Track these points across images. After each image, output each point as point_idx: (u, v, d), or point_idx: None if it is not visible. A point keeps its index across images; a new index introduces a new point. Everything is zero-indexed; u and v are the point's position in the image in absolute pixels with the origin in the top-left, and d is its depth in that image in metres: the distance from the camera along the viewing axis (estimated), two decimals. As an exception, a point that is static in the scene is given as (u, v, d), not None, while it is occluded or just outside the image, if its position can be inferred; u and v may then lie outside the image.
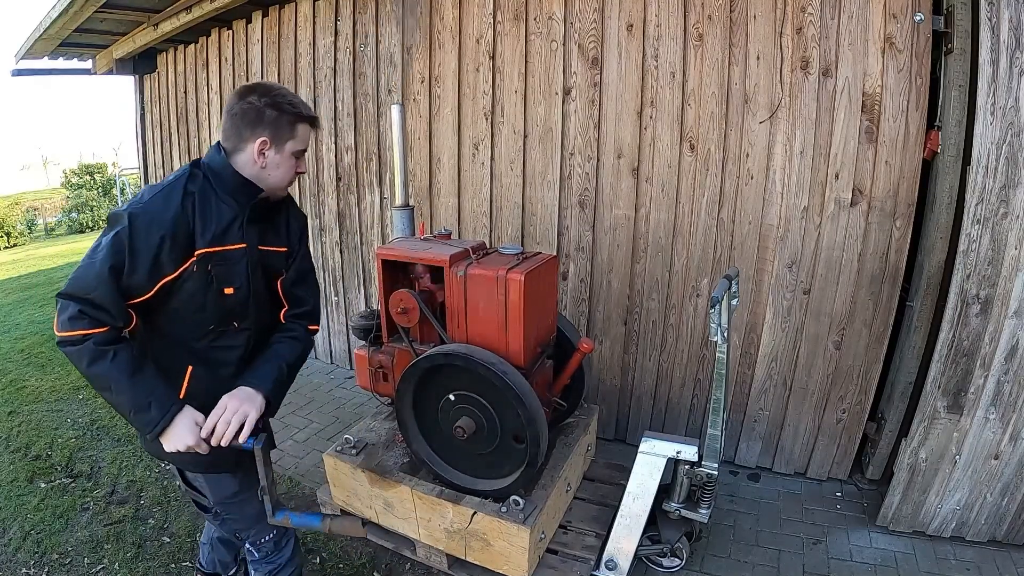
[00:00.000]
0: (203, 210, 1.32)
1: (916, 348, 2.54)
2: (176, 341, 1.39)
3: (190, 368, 1.41)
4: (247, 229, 1.40)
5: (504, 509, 2.09)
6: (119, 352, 1.27)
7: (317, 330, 1.69)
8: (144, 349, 1.38)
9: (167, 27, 4.30)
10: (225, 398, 1.39)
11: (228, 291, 1.37)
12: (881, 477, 2.75)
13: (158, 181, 1.42)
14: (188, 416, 1.33)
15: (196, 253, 1.31)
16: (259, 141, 1.37)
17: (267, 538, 1.71)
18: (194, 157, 4.83)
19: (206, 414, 1.37)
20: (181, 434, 1.31)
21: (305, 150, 1.47)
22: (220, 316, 1.40)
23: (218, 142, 1.42)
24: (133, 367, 1.28)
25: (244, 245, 1.39)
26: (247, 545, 1.72)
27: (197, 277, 1.32)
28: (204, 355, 1.43)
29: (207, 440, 1.34)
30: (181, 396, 1.39)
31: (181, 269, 1.30)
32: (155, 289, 1.29)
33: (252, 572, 1.79)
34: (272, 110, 1.36)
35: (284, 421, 3.53)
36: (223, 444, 1.35)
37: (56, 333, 1.27)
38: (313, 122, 1.46)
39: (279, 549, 1.76)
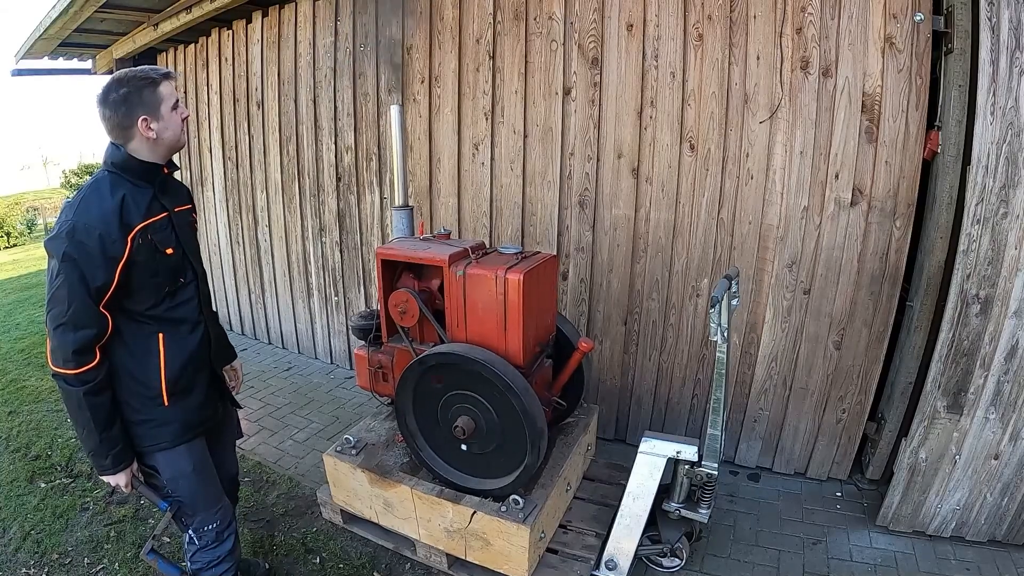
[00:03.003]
0: (132, 196, 1.55)
1: (916, 348, 2.54)
2: (144, 316, 1.60)
3: (161, 336, 1.62)
4: (162, 201, 1.64)
5: (504, 508, 2.09)
6: (99, 407, 1.52)
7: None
8: (121, 353, 1.59)
9: (167, 27, 4.29)
10: (238, 367, 2.03)
11: (168, 251, 1.61)
12: (881, 477, 2.75)
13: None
14: (129, 471, 1.63)
15: (136, 229, 1.52)
16: (140, 121, 1.53)
17: (209, 527, 1.79)
18: (194, 156, 4.86)
19: (185, 370, 1.66)
20: (118, 478, 1.62)
21: (178, 99, 1.63)
22: (169, 274, 1.62)
23: (111, 142, 1.59)
24: (108, 420, 1.55)
25: (165, 214, 1.63)
26: (189, 532, 1.79)
27: (144, 248, 1.54)
28: (167, 318, 1.64)
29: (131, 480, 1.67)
30: (161, 364, 1.61)
31: (128, 249, 1.50)
32: (117, 275, 1.49)
33: (189, 562, 1.83)
34: (133, 94, 1.53)
35: (284, 421, 3.54)
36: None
37: (50, 366, 1.50)
38: (167, 75, 1.60)
39: (220, 541, 1.81)
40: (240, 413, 3.60)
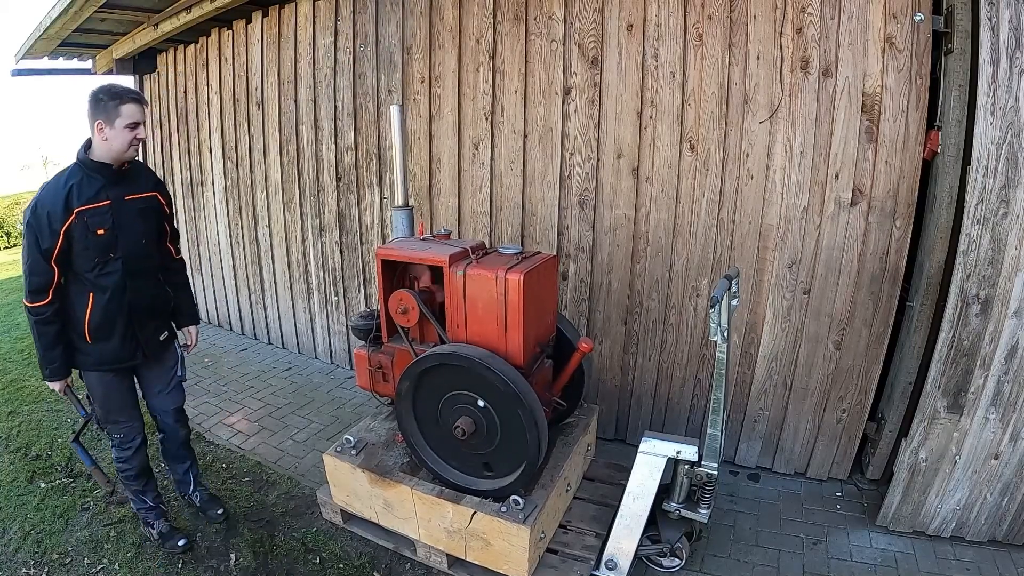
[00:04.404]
0: (79, 186, 2.01)
1: (916, 348, 2.54)
2: (80, 276, 2.08)
3: (91, 295, 2.10)
4: (109, 191, 2.06)
5: (504, 509, 2.10)
6: (45, 334, 2.07)
7: (181, 255, 2.51)
8: (65, 298, 2.09)
9: (167, 27, 4.29)
10: (194, 331, 2.56)
11: (100, 232, 2.03)
12: (881, 477, 2.75)
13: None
14: (62, 382, 2.19)
15: (74, 211, 1.98)
16: (96, 124, 1.99)
17: (115, 435, 2.33)
18: (194, 156, 4.86)
19: (102, 323, 2.12)
20: (54, 385, 2.19)
21: (138, 123, 2.03)
22: (99, 249, 2.05)
23: (87, 138, 2.06)
24: (51, 344, 2.09)
25: (108, 202, 2.06)
26: (107, 432, 2.36)
27: (79, 225, 1.99)
28: (95, 283, 2.09)
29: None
30: (87, 314, 2.10)
31: (67, 223, 1.97)
32: (59, 240, 1.97)
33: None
34: (101, 102, 1.97)
35: (284, 421, 3.54)
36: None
37: (23, 301, 2.07)
38: (136, 100, 2.02)
39: (122, 447, 2.34)
40: (240, 413, 3.65)
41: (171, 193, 2.44)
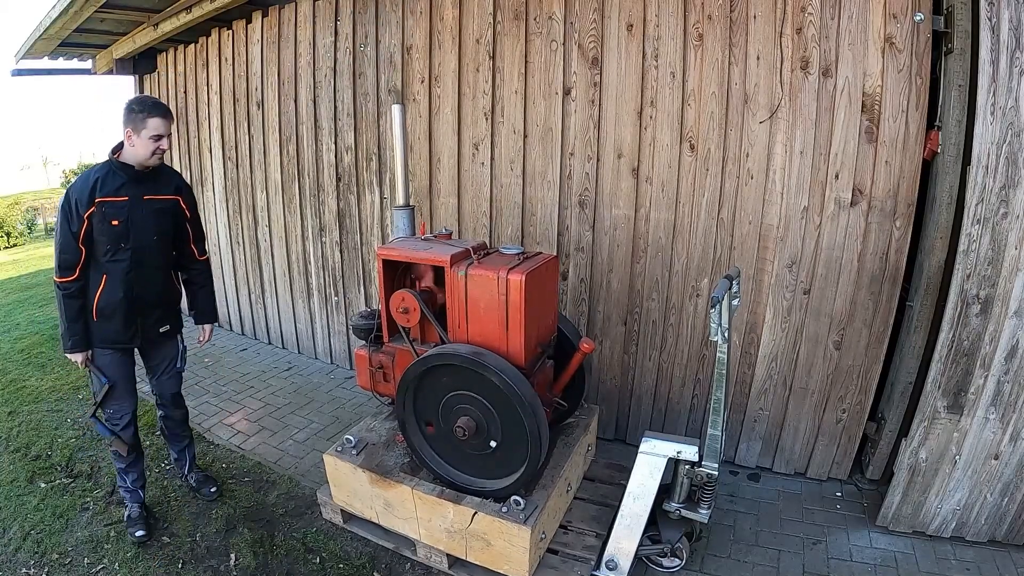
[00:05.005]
0: (103, 180, 2.25)
1: (916, 348, 2.54)
2: (96, 259, 2.30)
3: (104, 276, 2.31)
4: (130, 189, 2.29)
5: (505, 509, 2.10)
6: (70, 306, 2.29)
7: (207, 256, 2.70)
8: (88, 276, 2.31)
9: (167, 27, 4.29)
10: (208, 329, 2.78)
11: (115, 223, 2.26)
12: (881, 477, 2.75)
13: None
14: (82, 354, 2.35)
15: (96, 202, 2.22)
16: (126, 132, 2.23)
17: (108, 411, 2.46)
18: (194, 156, 4.86)
19: (107, 305, 2.32)
20: (75, 357, 2.36)
21: (161, 135, 2.25)
22: (112, 238, 2.28)
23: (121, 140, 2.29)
24: (74, 317, 2.30)
25: (127, 198, 2.28)
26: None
27: (98, 215, 2.23)
28: (107, 268, 2.31)
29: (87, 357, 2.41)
30: (97, 294, 2.31)
31: (90, 211, 2.22)
32: (84, 226, 2.22)
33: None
34: (132, 112, 2.21)
35: (284, 421, 3.54)
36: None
37: (53, 278, 2.31)
38: (163, 115, 2.24)
39: (111, 422, 2.48)
40: (240, 413, 3.67)
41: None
